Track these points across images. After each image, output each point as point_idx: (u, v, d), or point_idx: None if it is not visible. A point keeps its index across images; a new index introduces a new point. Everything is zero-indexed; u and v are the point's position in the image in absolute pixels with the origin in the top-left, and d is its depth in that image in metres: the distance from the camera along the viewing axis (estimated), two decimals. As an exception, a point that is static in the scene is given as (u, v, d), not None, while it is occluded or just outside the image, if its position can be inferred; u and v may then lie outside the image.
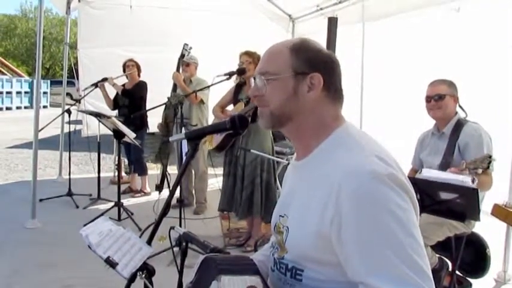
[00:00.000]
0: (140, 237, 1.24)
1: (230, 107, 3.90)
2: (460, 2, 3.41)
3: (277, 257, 1.10)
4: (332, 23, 3.74)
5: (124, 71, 5.17)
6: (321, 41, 3.67)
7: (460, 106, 2.60)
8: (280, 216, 1.11)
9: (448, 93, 2.53)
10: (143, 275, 1.18)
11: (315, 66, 1.04)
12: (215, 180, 5.20)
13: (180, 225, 3.42)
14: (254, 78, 1.10)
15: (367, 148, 1.00)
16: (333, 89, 1.07)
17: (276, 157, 3.67)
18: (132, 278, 1.18)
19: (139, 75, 5.22)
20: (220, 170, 3.88)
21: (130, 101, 5.10)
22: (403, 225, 0.90)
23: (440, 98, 2.53)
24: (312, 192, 1.01)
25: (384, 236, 0.89)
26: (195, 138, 1.23)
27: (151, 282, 1.20)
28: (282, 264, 1.08)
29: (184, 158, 3.55)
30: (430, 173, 2.24)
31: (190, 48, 4.55)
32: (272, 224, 1.17)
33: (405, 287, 0.87)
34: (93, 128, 5.29)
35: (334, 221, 0.93)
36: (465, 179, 2.08)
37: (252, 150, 3.28)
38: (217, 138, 3.65)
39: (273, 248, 1.14)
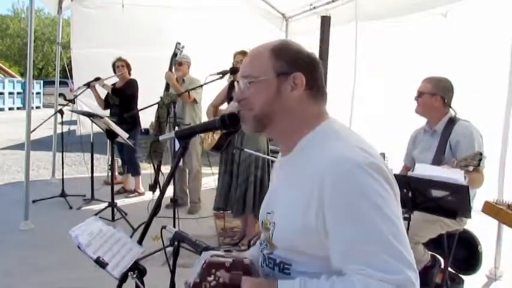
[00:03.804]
0: (131, 237, 1.23)
1: (224, 106, 3.91)
2: (448, 7, 3.46)
3: (267, 253, 1.11)
4: (325, 22, 3.75)
5: (114, 70, 5.14)
6: (314, 40, 3.72)
7: (449, 106, 2.60)
8: (267, 213, 1.12)
9: (426, 91, 2.55)
10: (134, 275, 1.18)
11: (296, 65, 1.06)
12: (209, 180, 5.20)
13: (174, 225, 3.41)
14: (237, 82, 1.11)
15: (349, 140, 1.02)
16: (315, 87, 1.08)
17: (271, 156, 3.67)
18: (123, 278, 1.18)
19: (129, 74, 5.20)
20: (216, 169, 3.88)
21: (121, 100, 5.07)
22: (383, 213, 0.92)
23: (419, 95, 2.58)
24: (296, 186, 1.02)
25: (363, 223, 0.91)
26: (185, 137, 1.23)
27: (142, 282, 1.20)
28: (270, 260, 1.10)
29: (177, 157, 3.55)
30: (424, 168, 2.25)
31: (183, 47, 4.54)
32: (260, 221, 1.18)
33: (387, 273, 0.88)
34: (88, 126, 5.26)
35: (319, 213, 0.95)
36: (457, 175, 2.09)
37: (245, 149, 3.28)
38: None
39: (261, 245, 1.16)
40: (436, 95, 2.54)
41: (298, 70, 1.05)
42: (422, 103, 2.57)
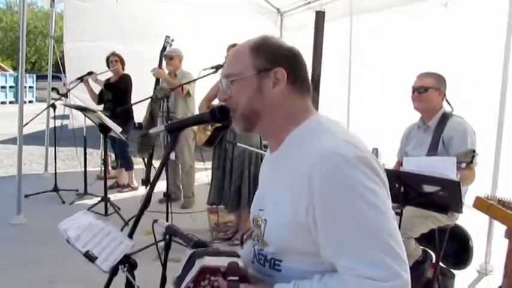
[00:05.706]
0: (122, 230, 1.23)
1: (217, 101, 3.89)
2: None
3: (258, 249, 1.11)
4: (319, 17, 3.74)
5: (108, 65, 5.11)
6: (309, 35, 3.70)
7: (447, 101, 2.61)
8: (259, 209, 1.12)
9: (432, 86, 2.53)
10: (125, 269, 1.17)
11: (276, 61, 1.05)
12: (202, 175, 5.19)
13: (167, 220, 3.40)
14: (220, 82, 1.11)
15: (337, 134, 1.01)
16: (298, 81, 1.08)
17: (264, 151, 3.67)
18: (114, 272, 1.17)
19: (123, 69, 5.17)
20: (209, 164, 3.87)
21: (114, 95, 5.05)
22: (374, 207, 0.91)
23: (423, 90, 2.54)
24: (284, 182, 1.02)
25: (353, 218, 0.91)
26: (176, 130, 1.21)
27: (133, 276, 1.19)
28: (260, 256, 1.09)
29: (170, 152, 3.54)
30: (414, 161, 2.27)
31: (172, 40, 4.49)
32: (251, 218, 1.18)
33: (377, 269, 0.88)
34: (81, 120, 5.22)
35: (309, 208, 0.94)
36: (449, 164, 2.10)
37: (238, 144, 3.27)
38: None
39: (253, 241, 1.15)
40: (439, 90, 2.54)
41: (279, 65, 1.04)
42: (427, 98, 2.53)
